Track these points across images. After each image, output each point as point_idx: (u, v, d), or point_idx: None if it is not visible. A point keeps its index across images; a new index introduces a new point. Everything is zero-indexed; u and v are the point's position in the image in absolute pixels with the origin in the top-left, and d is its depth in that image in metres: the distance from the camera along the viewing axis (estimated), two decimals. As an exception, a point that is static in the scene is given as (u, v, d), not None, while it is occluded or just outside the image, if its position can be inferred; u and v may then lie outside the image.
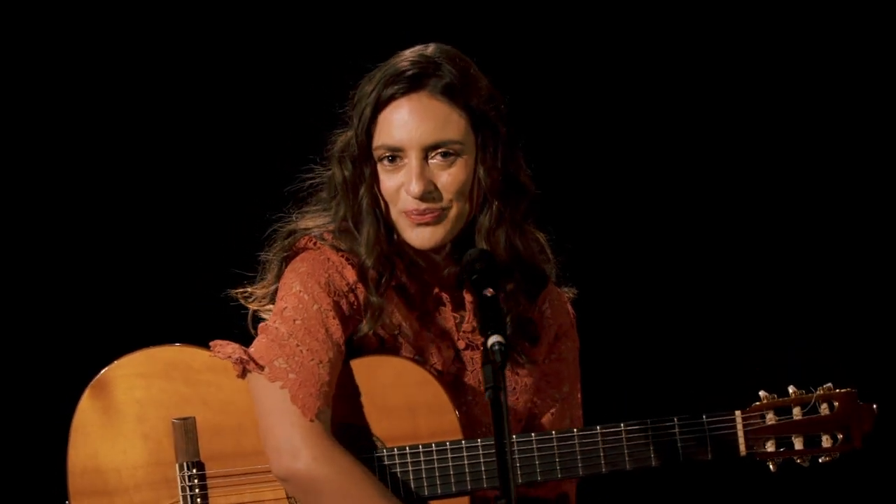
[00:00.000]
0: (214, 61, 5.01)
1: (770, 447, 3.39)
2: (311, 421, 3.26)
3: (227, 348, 3.35)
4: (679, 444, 3.38)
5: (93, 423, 3.42)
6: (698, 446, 3.38)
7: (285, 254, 3.47)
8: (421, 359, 3.43)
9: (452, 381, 3.45)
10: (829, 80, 5.17)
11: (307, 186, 3.52)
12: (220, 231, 4.90)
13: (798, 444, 3.39)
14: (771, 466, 3.41)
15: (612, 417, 3.40)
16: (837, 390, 3.41)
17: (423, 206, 3.35)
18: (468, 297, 3.46)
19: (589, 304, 3.69)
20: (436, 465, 3.36)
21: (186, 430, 3.39)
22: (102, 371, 3.43)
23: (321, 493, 3.26)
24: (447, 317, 3.48)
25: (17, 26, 4.91)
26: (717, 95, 5.18)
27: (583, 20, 5.16)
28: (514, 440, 3.36)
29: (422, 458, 3.36)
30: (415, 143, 3.35)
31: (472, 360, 3.48)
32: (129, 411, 3.41)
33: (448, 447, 3.36)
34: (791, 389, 3.41)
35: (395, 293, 3.43)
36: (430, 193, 3.36)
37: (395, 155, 3.37)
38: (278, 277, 3.46)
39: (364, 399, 3.38)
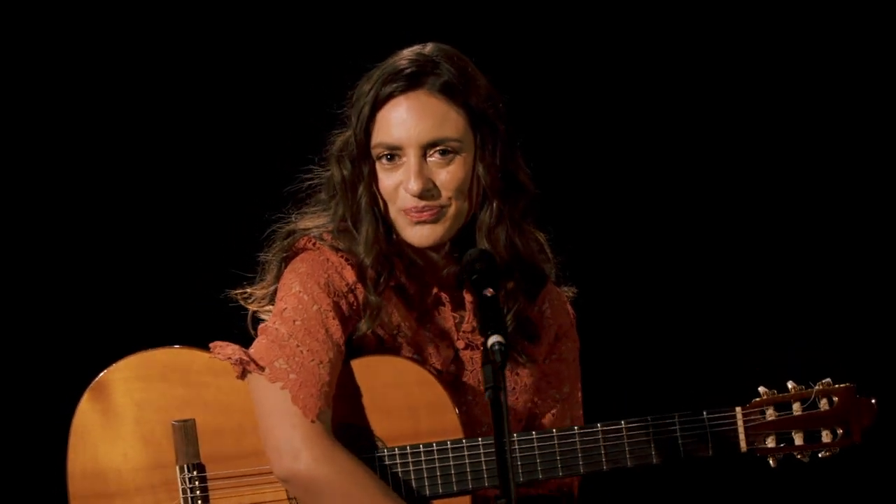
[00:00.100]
0: (213, 63, 5.01)
1: (770, 443, 3.39)
2: (312, 421, 3.26)
3: (226, 349, 3.35)
4: (680, 441, 3.38)
5: (92, 426, 3.42)
6: (699, 443, 3.38)
7: (284, 254, 3.47)
8: (420, 358, 3.43)
9: (452, 381, 3.45)
10: (828, 80, 5.17)
11: (306, 187, 3.52)
12: (219, 232, 4.89)
13: (798, 439, 3.40)
14: (771, 462, 3.41)
15: (612, 415, 3.40)
16: (836, 385, 3.42)
17: (422, 203, 3.35)
18: (468, 297, 3.46)
19: (589, 302, 3.69)
20: (437, 465, 3.36)
21: (186, 432, 3.39)
22: (101, 374, 3.43)
23: (322, 493, 3.26)
24: (446, 317, 3.48)
25: (16, 26, 4.91)
26: (717, 95, 5.18)
27: (581, 20, 5.16)
28: (515, 439, 3.36)
29: (423, 458, 3.35)
30: (413, 141, 3.35)
31: (472, 359, 3.47)
32: (128, 414, 3.41)
33: (449, 446, 3.35)
34: (790, 385, 3.41)
35: (394, 293, 3.43)
36: (428, 191, 3.36)
37: (393, 153, 3.38)
38: (277, 278, 3.46)
39: (365, 399, 3.38)
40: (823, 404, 3.41)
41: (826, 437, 3.40)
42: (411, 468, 3.35)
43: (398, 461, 3.36)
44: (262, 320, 3.43)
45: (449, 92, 3.36)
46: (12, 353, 4.90)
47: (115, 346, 3.48)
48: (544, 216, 3.52)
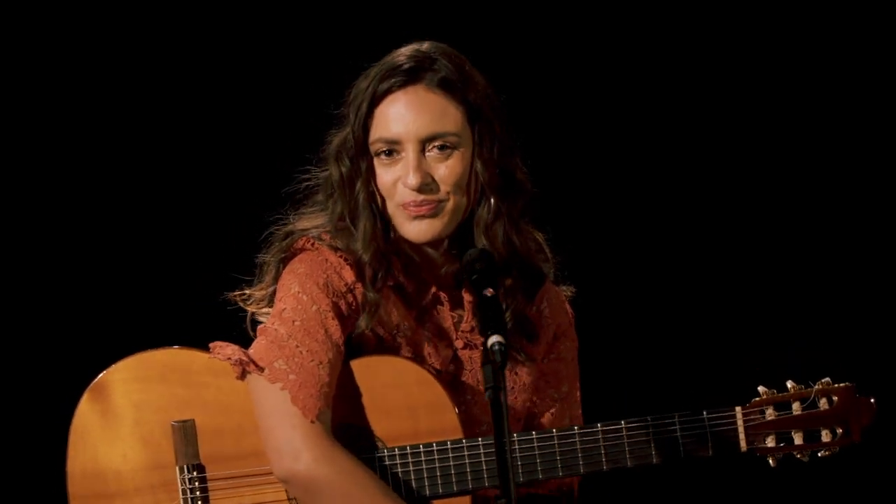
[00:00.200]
0: (211, 65, 5.01)
1: (770, 442, 3.39)
2: (312, 422, 3.26)
3: (226, 350, 3.35)
4: (680, 441, 3.38)
5: (92, 427, 3.41)
6: (699, 443, 3.38)
7: (283, 255, 3.47)
8: (419, 358, 3.43)
9: (451, 381, 3.45)
10: (828, 80, 5.17)
11: (303, 188, 3.52)
12: (218, 233, 4.89)
13: (798, 438, 3.40)
14: (771, 462, 3.41)
15: (612, 415, 3.40)
16: (836, 385, 3.42)
17: (421, 197, 3.35)
18: (466, 297, 3.46)
19: (589, 302, 3.69)
20: (437, 465, 3.35)
21: (186, 433, 3.39)
22: (101, 375, 3.43)
23: (322, 493, 3.26)
24: (445, 316, 3.48)
25: (16, 26, 4.91)
26: (716, 94, 5.18)
27: (579, 19, 5.16)
28: (515, 439, 3.36)
29: (422, 458, 3.35)
30: (412, 136, 3.35)
31: (471, 359, 3.47)
32: (127, 415, 3.41)
33: (449, 446, 3.35)
34: (790, 384, 3.41)
35: (393, 292, 3.43)
36: (427, 185, 3.36)
37: (392, 148, 3.38)
38: (276, 279, 3.46)
39: (364, 399, 3.38)
40: (823, 404, 3.41)
41: (826, 436, 3.40)
42: (411, 468, 3.35)
43: (398, 461, 3.35)
44: (261, 322, 3.43)
45: (447, 87, 3.36)
46: (12, 354, 4.89)
47: (114, 346, 3.48)
48: (543, 215, 3.52)
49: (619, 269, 5.17)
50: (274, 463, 3.29)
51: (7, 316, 4.91)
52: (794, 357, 4.98)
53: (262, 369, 3.31)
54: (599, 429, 3.38)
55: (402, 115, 3.35)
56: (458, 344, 3.47)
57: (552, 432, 3.37)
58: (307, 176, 3.52)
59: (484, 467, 3.36)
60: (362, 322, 3.38)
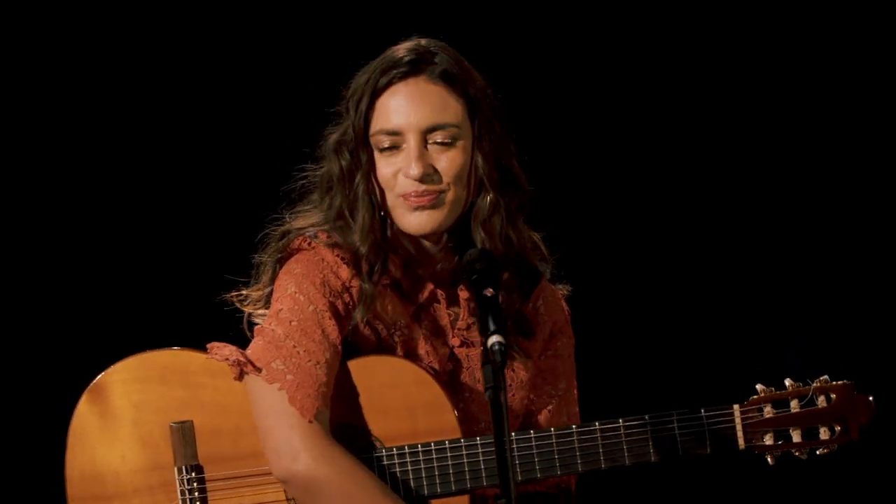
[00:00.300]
0: (209, 65, 5.01)
1: (768, 440, 3.39)
2: (310, 422, 3.26)
3: (223, 350, 3.35)
4: (678, 439, 3.38)
5: (90, 428, 3.41)
6: (697, 441, 3.38)
7: (279, 255, 3.46)
8: (416, 356, 3.43)
9: (448, 379, 3.45)
10: (828, 79, 5.17)
11: (299, 187, 3.52)
12: (217, 233, 4.89)
13: (796, 436, 3.40)
14: (769, 459, 3.41)
15: (610, 413, 3.40)
16: (834, 383, 3.41)
17: (423, 187, 3.35)
18: (462, 294, 3.46)
19: (587, 301, 3.70)
20: (435, 465, 3.35)
21: (184, 434, 3.39)
22: (99, 376, 3.43)
23: (321, 493, 3.26)
24: (441, 314, 3.48)
25: (16, 26, 4.91)
26: (715, 94, 5.18)
27: (577, 19, 5.16)
28: (514, 438, 3.36)
29: (421, 458, 3.35)
30: (413, 127, 3.36)
31: (468, 357, 3.48)
32: (126, 416, 3.41)
33: (447, 446, 3.35)
34: (788, 382, 3.41)
35: (390, 290, 3.43)
36: (429, 176, 3.36)
37: (393, 140, 3.38)
38: (273, 280, 3.45)
39: (362, 399, 3.38)
40: (821, 401, 3.40)
41: (824, 434, 3.40)
42: (409, 468, 3.35)
43: (396, 461, 3.35)
44: (258, 322, 3.43)
45: (448, 80, 3.37)
46: (12, 355, 4.90)
47: (113, 347, 3.48)
48: (540, 214, 3.52)
49: (616, 267, 5.17)
50: (272, 463, 3.29)
51: (7, 316, 4.91)
52: (793, 355, 4.98)
53: (259, 370, 3.31)
54: (597, 427, 3.38)
55: (403, 107, 3.36)
56: (455, 342, 3.47)
57: (550, 431, 3.37)
58: (304, 175, 3.52)
59: (482, 467, 3.36)
60: (358, 314, 3.38)
